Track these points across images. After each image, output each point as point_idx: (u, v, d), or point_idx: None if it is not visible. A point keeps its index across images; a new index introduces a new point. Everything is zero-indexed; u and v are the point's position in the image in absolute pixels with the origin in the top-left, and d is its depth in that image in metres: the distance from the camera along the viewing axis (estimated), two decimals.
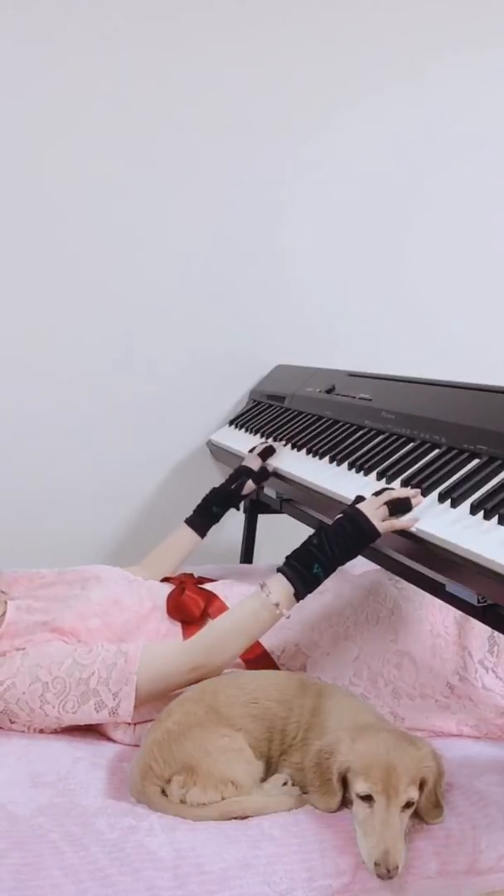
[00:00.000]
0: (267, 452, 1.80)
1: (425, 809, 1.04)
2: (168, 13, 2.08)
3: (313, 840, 1.01)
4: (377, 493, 1.29)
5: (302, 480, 1.60)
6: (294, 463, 1.70)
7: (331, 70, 2.25)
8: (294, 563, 1.25)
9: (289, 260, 2.28)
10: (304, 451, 1.71)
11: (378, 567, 1.46)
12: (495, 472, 1.18)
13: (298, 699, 1.19)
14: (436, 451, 1.36)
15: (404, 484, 1.32)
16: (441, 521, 1.16)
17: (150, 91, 2.09)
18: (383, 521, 1.24)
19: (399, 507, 1.24)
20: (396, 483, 1.35)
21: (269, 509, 2.04)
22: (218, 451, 2.19)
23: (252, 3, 2.15)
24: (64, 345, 2.12)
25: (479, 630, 1.44)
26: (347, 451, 1.58)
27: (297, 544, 1.28)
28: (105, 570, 1.52)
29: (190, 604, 1.45)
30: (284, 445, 1.81)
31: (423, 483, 1.28)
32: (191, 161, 2.15)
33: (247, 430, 2.08)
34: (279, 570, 1.27)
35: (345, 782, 1.04)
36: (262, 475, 1.77)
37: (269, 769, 1.16)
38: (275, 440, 1.87)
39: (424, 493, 1.25)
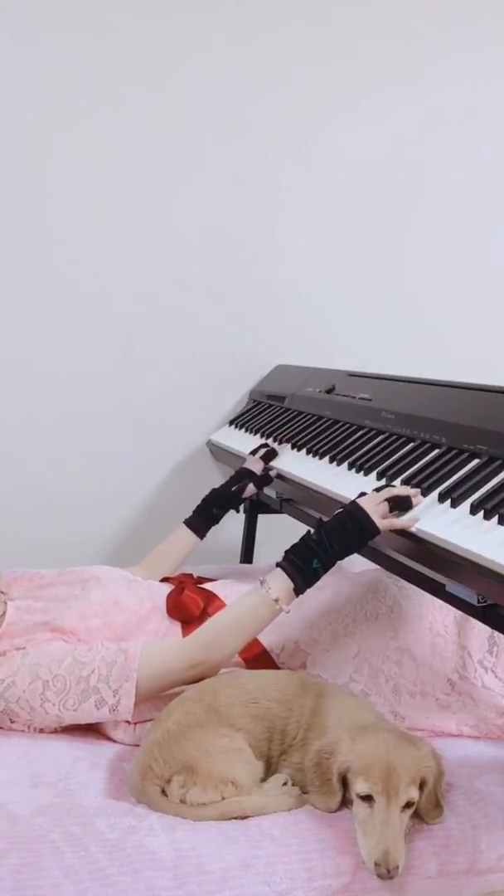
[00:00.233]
0: (269, 456, 1.80)
1: (425, 809, 1.04)
2: (168, 13, 2.08)
3: (313, 840, 1.01)
4: (378, 490, 1.29)
5: (302, 480, 1.60)
6: (294, 463, 1.70)
7: (331, 70, 2.25)
8: (293, 558, 1.26)
9: (289, 260, 2.28)
10: (304, 451, 1.71)
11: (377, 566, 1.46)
12: (495, 472, 1.18)
13: (298, 699, 1.19)
14: (436, 451, 1.36)
15: (404, 484, 1.32)
16: (441, 521, 1.16)
17: (150, 91, 2.10)
18: (383, 517, 1.24)
19: (399, 504, 1.24)
20: (396, 483, 1.34)
21: (269, 509, 2.03)
22: (218, 451, 2.19)
23: (252, 3, 2.15)
24: (64, 344, 2.12)
25: (479, 630, 1.44)
26: (347, 451, 1.58)
27: None
28: (105, 571, 1.53)
29: (189, 604, 1.45)
30: (284, 445, 1.81)
31: (424, 483, 1.27)
32: (191, 161, 2.15)
33: (247, 430, 2.08)
34: (278, 565, 1.27)
35: (345, 782, 1.04)
36: (265, 480, 1.77)
37: (269, 769, 1.16)
38: (275, 440, 1.87)
39: (424, 493, 1.25)
